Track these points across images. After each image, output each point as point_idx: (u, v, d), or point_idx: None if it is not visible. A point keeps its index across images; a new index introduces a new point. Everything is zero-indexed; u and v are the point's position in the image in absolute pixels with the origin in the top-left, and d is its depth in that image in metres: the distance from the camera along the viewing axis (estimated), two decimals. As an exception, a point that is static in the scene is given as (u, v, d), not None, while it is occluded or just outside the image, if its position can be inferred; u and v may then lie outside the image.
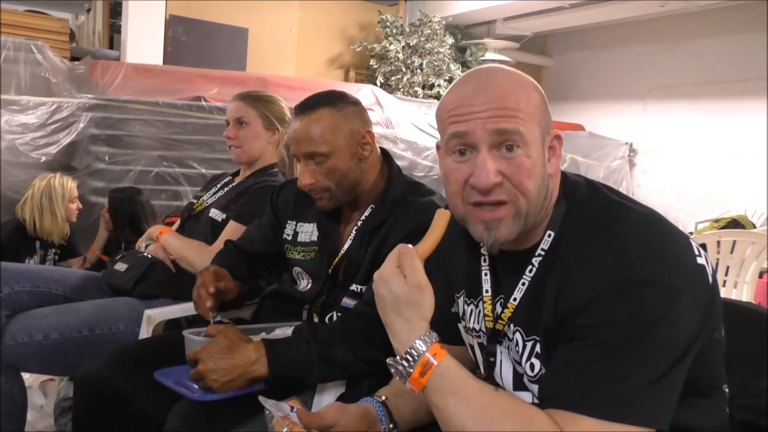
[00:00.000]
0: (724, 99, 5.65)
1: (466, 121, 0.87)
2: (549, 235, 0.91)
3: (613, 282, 0.81)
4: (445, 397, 0.84)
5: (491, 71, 0.92)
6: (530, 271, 0.92)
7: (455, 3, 6.37)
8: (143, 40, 5.01)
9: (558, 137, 0.93)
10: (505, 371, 0.98)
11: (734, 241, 3.12)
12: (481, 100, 0.87)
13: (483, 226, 0.89)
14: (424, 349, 0.85)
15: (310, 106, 1.40)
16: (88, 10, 7.50)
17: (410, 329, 0.86)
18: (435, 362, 0.84)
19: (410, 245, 0.90)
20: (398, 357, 0.86)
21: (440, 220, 0.92)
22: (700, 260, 0.86)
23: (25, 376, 1.80)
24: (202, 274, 1.44)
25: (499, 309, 0.98)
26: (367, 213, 1.44)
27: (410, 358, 0.85)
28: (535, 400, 0.92)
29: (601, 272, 0.82)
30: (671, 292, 0.80)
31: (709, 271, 0.87)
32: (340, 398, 1.29)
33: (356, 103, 1.45)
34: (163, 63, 5.01)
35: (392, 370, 0.87)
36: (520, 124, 0.86)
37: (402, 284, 0.87)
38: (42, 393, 2.41)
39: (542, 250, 0.91)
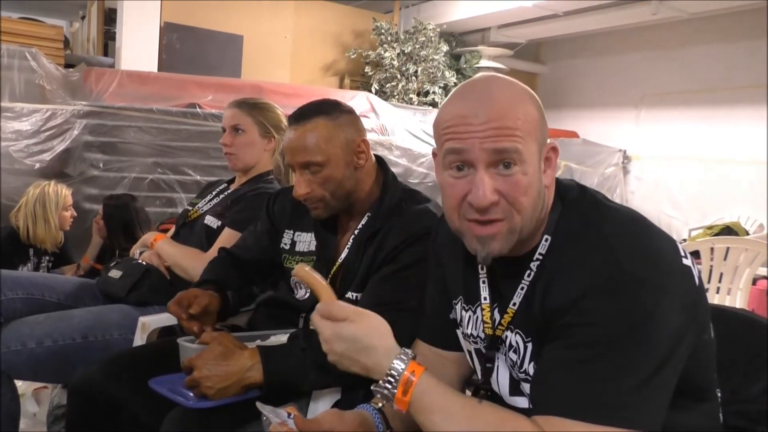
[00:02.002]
0: (717, 106, 5.70)
1: (463, 139, 0.87)
2: (546, 239, 0.92)
3: (600, 280, 0.82)
4: (429, 415, 0.86)
5: (490, 85, 0.90)
6: (528, 275, 0.92)
7: (450, 10, 6.40)
8: (138, 47, 5.02)
9: (554, 148, 0.93)
10: (501, 377, 0.98)
11: (727, 248, 3.14)
12: (479, 120, 0.86)
13: (477, 240, 0.89)
14: (403, 367, 0.88)
15: (304, 115, 1.39)
16: (83, 17, 7.51)
17: (384, 353, 0.90)
18: (414, 379, 0.87)
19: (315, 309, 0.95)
20: (380, 381, 0.89)
21: (307, 278, 0.99)
22: (686, 261, 0.87)
23: (18, 383, 1.78)
24: (168, 308, 1.42)
25: (497, 316, 0.98)
26: (363, 221, 1.44)
27: (392, 379, 0.88)
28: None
29: (588, 271, 0.83)
30: (657, 290, 0.81)
31: (695, 272, 0.88)
32: (335, 405, 1.29)
33: (350, 112, 1.45)
34: (158, 70, 5.02)
35: (378, 395, 0.90)
36: (518, 143, 0.86)
37: (345, 325, 0.91)
38: (35, 401, 2.39)
39: (540, 254, 0.92)
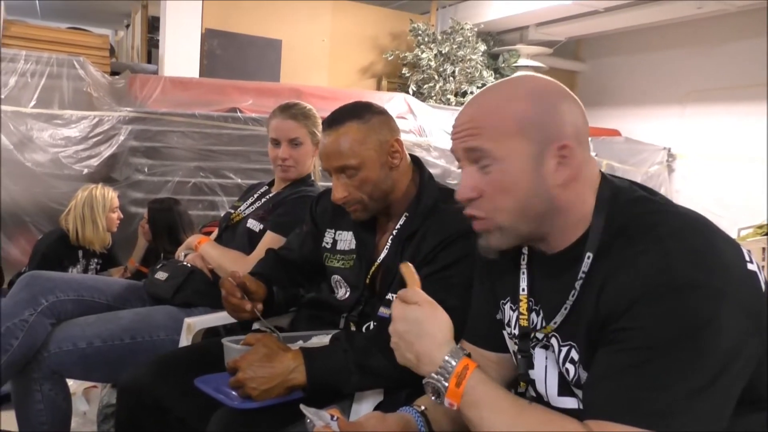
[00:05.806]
0: (765, 102, 5.50)
1: (452, 140, 0.96)
2: (588, 257, 0.89)
3: (656, 284, 0.79)
4: (479, 410, 0.86)
5: (489, 90, 0.96)
6: (573, 295, 0.90)
7: (487, 10, 6.35)
8: (180, 54, 5.11)
9: (564, 146, 0.89)
10: (550, 377, 0.97)
11: (780, 248, 3.03)
12: (459, 121, 0.95)
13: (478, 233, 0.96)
14: (455, 362, 0.88)
15: (336, 120, 1.40)
16: (127, 26, 7.73)
17: (438, 345, 0.90)
18: (467, 372, 0.87)
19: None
20: (433, 374, 0.89)
21: (406, 272, 1.01)
22: (751, 266, 0.83)
23: (69, 382, 1.84)
24: (221, 284, 1.43)
25: (535, 317, 0.97)
26: (401, 222, 1.44)
27: (444, 372, 0.88)
28: (581, 406, 0.91)
29: (644, 274, 0.80)
30: (716, 296, 0.78)
31: (762, 278, 0.84)
32: (377, 407, 1.29)
33: (382, 113, 1.45)
34: (200, 76, 5.11)
35: (428, 389, 0.90)
36: (484, 142, 0.90)
37: (416, 308, 0.93)
38: (85, 400, 2.47)
39: (583, 272, 0.89)
